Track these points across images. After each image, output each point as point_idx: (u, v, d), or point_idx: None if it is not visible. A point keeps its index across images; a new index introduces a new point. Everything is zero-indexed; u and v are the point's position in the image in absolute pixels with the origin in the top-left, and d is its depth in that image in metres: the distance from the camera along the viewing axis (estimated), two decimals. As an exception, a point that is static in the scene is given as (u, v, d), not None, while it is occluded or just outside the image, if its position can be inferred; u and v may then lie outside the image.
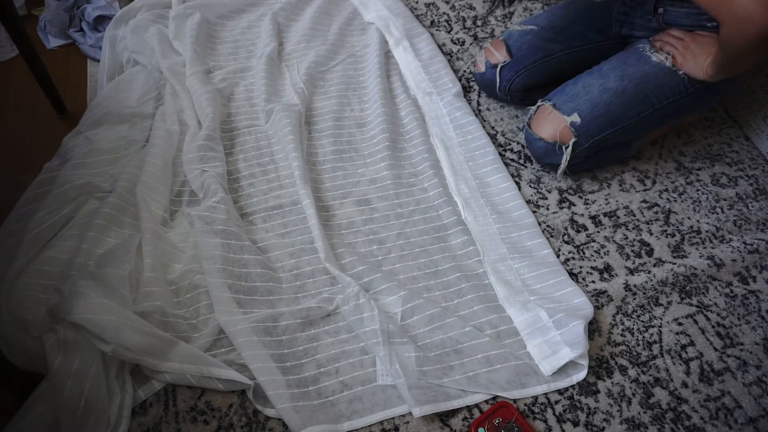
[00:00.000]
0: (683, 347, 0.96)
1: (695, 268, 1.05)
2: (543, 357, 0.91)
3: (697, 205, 1.16)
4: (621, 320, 0.98)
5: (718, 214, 1.15)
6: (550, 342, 0.91)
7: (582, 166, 1.15)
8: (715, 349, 0.96)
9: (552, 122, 1.10)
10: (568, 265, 1.04)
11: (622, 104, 1.07)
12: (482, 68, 1.25)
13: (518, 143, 1.24)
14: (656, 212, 1.14)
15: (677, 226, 1.12)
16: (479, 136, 1.22)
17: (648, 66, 1.08)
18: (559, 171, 1.12)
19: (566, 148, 1.09)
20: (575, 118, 1.08)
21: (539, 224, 1.09)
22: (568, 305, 0.96)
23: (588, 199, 1.15)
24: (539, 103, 1.14)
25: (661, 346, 0.96)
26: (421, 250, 1.04)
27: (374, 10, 1.48)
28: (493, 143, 1.23)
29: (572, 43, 1.19)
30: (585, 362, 0.90)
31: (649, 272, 1.04)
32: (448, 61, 1.40)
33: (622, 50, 1.15)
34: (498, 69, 1.21)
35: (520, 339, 0.93)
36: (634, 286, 1.02)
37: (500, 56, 1.22)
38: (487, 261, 1.02)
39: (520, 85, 1.22)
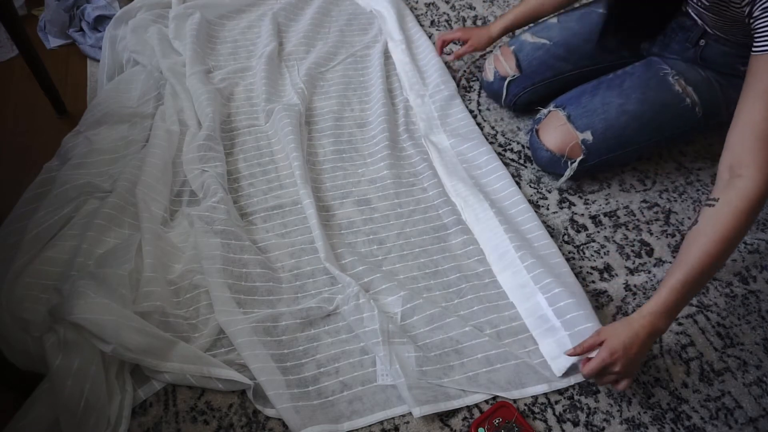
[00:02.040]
0: (683, 347, 0.96)
1: (695, 268, 1.05)
2: (553, 357, 0.90)
3: (698, 205, 1.16)
4: (621, 320, 0.98)
5: (718, 214, 1.15)
6: (559, 342, 0.91)
7: (583, 174, 1.15)
8: (715, 349, 0.96)
9: (562, 135, 1.08)
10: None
11: (636, 129, 1.05)
12: (490, 77, 1.24)
13: (518, 143, 1.24)
14: (656, 212, 1.14)
15: (677, 226, 1.12)
16: (474, 137, 1.22)
17: (669, 95, 1.05)
18: (560, 182, 1.12)
19: (572, 163, 1.08)
20: (588, 135, 1.05)
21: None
22: (578, 303, 0.95)
23: (588, 199, 1.15)
24: (551, 108, 1.11)
25: (661, 346, 0.96)
26: (421, 250, 1.04)
27: (375, 5, 1.49)
28: (493, 143, 1.23)
29: (582, 62, 1.18)
30: None
31: (649, 272, 1.04)
32: (448, 61, 1.40)
33: (643, 64, 1.11)
34: (506, 82, 1.21)
35: (521, 339, 0.93)
36: (634, 286, 1.02)
37: (509, 69, 1.20)
38: (492, 259, 1.02)
39: (525, 101, 1.22)
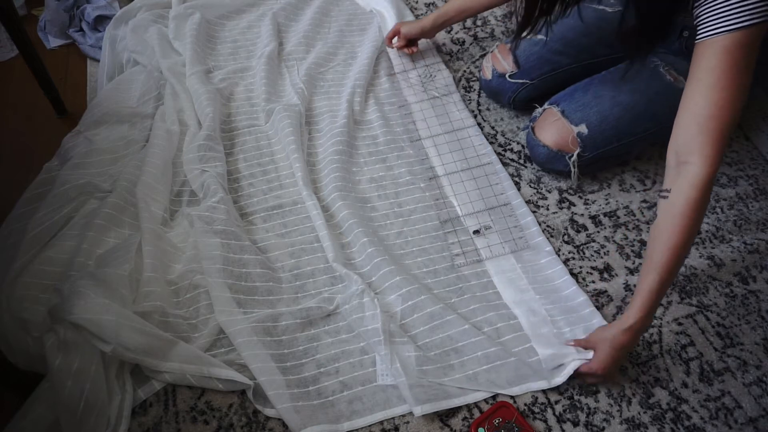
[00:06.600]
0: (683, 347, 0.96)
1: (695, 268, 1.05)
2: (545, 353, 0.91)
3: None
4: (621, 320, 0.98)
5: (718, 214, 1.15)
6: (554, 342, 0.91)
7: (583, 171, 1.15)
8: (715, 349, 0.96)
9: (558, 130, 1.08)
10: (568, 265, 1.04)
11: (631, 120, 1.06)
12: (488, 75, 1.24)
13: (518, 143, 1.24)
14: (656, 212, 1.14)
15: (677, 226, 1.12)
16: (476, 138, 1.22)
17: (661, 84, 1.06)
18: (573, 182, 1.13)
19: (570, 158, 1.08)
20: (583, 128, 1.06)
21: (539, 224, 1.09)
22: (571, 304, 0.96)
23: (588, 199, 1.15)
24: (546, 106, 1.12)
25: (661, 346, 0.96)
26: (420, 250, 1.04)
27: (375, 5, 1.49)
28: (493, 143, 1.23)
29: (580, 56, 1.18)
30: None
31: (649, 272, 1.04)
32: (447, 61, 1.40)
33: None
34: (504, 79, 1.21)
35: (519, 336, 0.93)
36: (634, 286, 1.02)
37: (507, 66, 1.20)
38: (489, 260, 1.02)
39: (525, 97, 1.21)
